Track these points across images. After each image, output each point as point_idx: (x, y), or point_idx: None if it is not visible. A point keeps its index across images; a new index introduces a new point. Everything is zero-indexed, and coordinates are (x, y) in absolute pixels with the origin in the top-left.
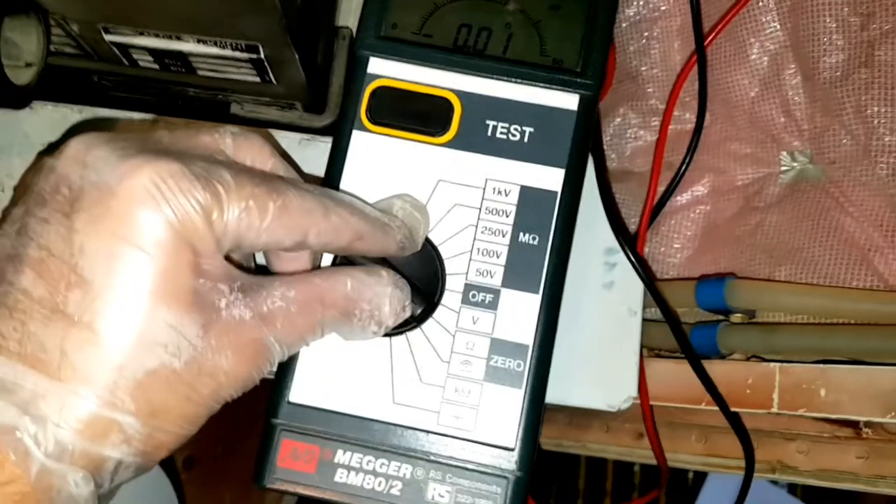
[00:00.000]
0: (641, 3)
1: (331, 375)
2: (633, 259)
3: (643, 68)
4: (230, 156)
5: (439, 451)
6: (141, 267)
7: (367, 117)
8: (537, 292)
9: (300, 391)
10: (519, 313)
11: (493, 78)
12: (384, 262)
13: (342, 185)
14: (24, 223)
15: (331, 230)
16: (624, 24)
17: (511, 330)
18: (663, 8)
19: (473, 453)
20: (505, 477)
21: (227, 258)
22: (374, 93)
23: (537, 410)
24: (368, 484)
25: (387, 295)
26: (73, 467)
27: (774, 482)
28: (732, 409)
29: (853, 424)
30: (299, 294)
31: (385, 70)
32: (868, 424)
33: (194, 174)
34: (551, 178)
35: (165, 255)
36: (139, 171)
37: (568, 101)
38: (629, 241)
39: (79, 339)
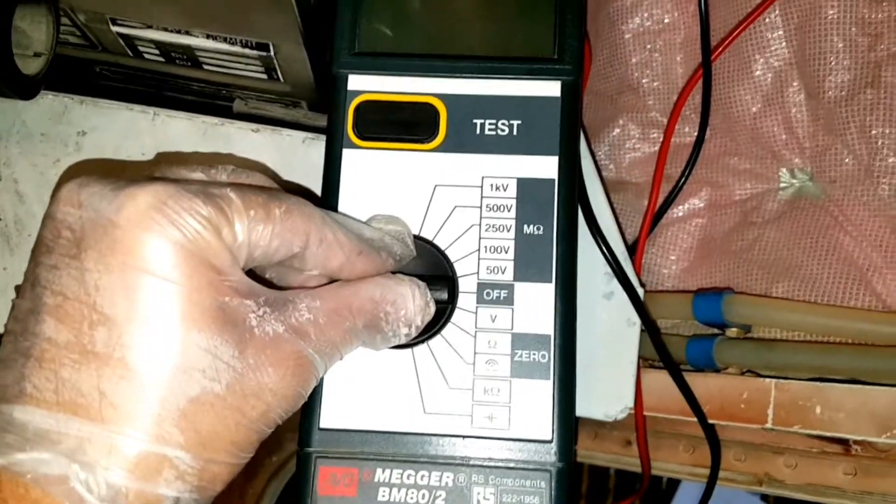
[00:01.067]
0: (645, 14)
1: (358, 396)
2: (620, 277)
3: (644, 80)
4: None
5: (477, 454)
6: (161, 293)
7: (355, 134)
8: (550, 281)
9: (330, 416)
10: (536, 304)
11: (472, 77)
12: None
13: (340, 205)
14: (35, 275)
15: (331, 238)
16: (627, 36)
17: (531, 322)
18: (667, 21)
19: (512, 451)
20: (547, 470)
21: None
22: (357, 109)
23: (569, 399)
24: (412, 498)
25: (409, 293)
26: None
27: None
28: (725, 423)
29: (843, 441)
30: (325, 304)
31: (365, 85)
32: (858, 442)
33: (192, 192)
34: (546, 167)
35: (184, 278)
36: (136, 197)
37: (550, 88)
38: (617, 263)
39: (114, 376)
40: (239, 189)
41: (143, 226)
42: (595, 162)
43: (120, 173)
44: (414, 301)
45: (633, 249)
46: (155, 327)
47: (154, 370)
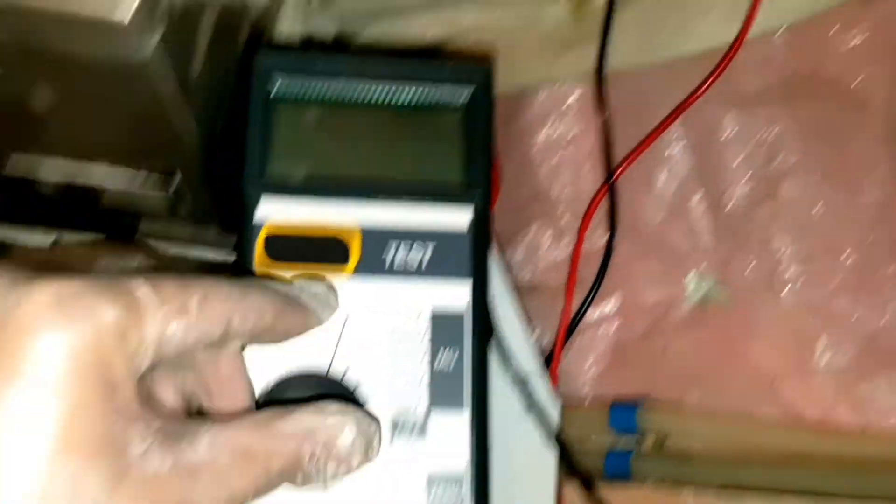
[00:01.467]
0: (552, 127)
1: None
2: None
3: (554, 189)
4: None
5: None
6: (39, 406)
7: (265, 255)
8: (464, 409)
9: None
10: (450, 436)
11: (384, 202)
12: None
13: None
14: None
15: (254, 310)
16: (535, 149)
17: (444, 458)
18: (574, 133)
19: None
20: None
21: (149, 397)
22: (267, 238)
23: None
24: None
25: (344, 424)
26: None
27: None
28: None
29: None
30: (231, 440)
31: (275, 209)
32: None
33: (99, 289)
34: (459, 291)
35: (69, 391)
36: (36, 292)
37: (461, 212)
38: (527, 391)
39: None
40: (152, 282)
41: (37, 325)
42: (510, 270)
43: (22, 258)
44: (357, 436)
45: (550, 356)
46: (21, 445)
47: (7, 496)
